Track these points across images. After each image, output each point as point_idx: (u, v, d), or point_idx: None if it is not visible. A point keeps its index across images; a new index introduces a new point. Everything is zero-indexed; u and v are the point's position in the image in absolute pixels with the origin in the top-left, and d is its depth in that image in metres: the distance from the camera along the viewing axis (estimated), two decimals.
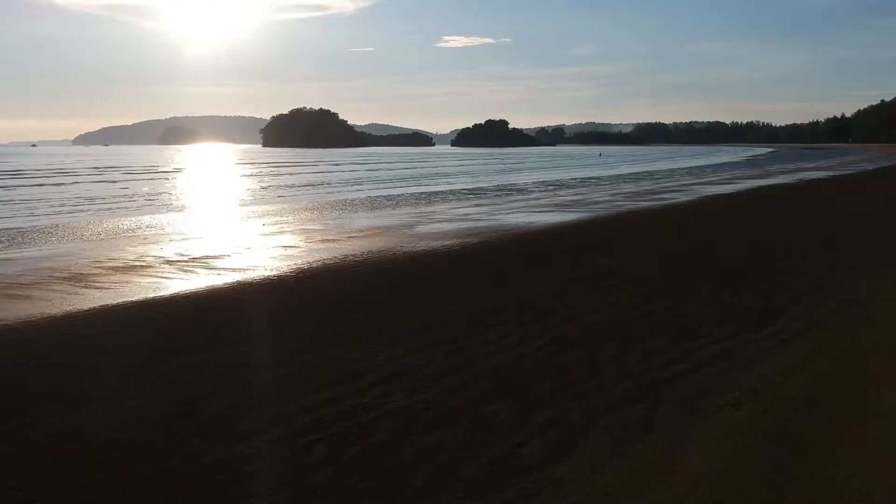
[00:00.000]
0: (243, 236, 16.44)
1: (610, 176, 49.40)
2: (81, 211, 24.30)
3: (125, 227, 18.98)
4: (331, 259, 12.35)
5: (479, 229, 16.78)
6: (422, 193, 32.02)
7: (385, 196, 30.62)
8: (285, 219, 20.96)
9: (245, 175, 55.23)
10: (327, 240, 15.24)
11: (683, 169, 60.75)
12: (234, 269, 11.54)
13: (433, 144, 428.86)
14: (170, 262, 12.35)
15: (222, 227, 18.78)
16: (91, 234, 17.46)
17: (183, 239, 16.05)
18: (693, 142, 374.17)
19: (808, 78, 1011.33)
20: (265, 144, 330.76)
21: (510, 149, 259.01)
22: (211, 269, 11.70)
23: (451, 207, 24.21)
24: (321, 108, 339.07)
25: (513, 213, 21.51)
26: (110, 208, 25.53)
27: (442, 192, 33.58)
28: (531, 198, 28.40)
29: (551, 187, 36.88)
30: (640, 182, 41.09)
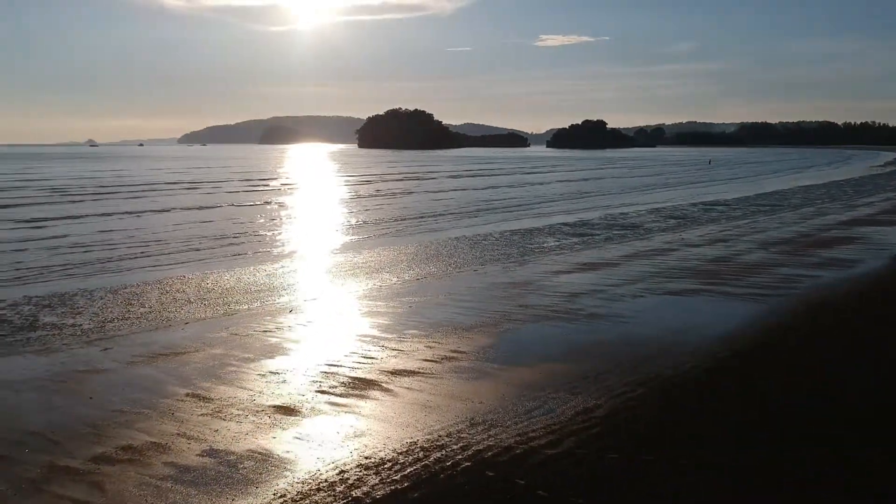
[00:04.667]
0: (238, 360, 10.79)
1: (736, 200, 42.11)
2: (54, 267, 19.32)
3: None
4: (326, 485, 6.46)
5: (600, 354, 10.60)
6: (514, 234, 25.94)
7: (472, 239, 24.69)
8: (328, 300, 15.38)
9: (345, 195, 50.43)
10: (347, 389, 9.38)
11: (818, 188, 52.52)
12: None
13: (528, 145, 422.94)
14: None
15: (224, 315, 13.25)
16: None
17: (149, 357, 10.53)
18: (802, 143, 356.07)
19: None
20: (361, 145, 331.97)
21: (608, 151, 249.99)
22: None
23: (550, 270, 18.08)
24: (416, 109, 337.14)
25: (640, 291, 15.22)
26: (112, 259, 20.51)
27: (539, 229, 27.45)
28: (654, 248, 21.93)
29: (671, 221, 30.28)
30: (778, 213, 33.91)
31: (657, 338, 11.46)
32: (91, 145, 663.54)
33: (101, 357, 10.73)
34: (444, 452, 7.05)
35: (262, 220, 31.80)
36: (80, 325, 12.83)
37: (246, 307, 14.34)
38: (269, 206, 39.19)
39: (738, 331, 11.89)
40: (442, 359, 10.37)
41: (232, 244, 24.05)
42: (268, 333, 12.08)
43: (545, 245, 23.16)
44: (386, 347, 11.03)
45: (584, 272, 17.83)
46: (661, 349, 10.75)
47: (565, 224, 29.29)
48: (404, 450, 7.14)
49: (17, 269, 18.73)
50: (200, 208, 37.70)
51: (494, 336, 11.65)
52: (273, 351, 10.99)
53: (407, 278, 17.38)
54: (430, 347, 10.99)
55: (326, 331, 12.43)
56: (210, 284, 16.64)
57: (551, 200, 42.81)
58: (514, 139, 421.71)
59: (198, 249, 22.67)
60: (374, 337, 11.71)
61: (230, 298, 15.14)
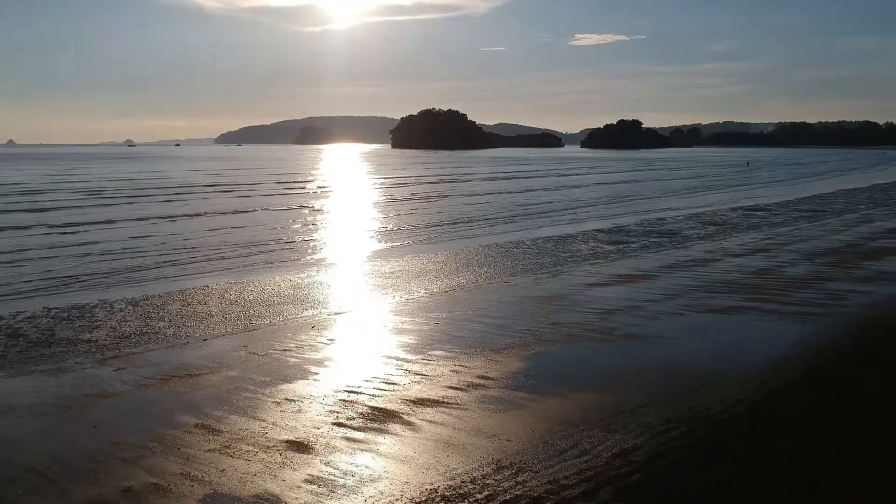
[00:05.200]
0: (254, 385, 10.28)
1: (777, 204, 40.89)
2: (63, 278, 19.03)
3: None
4: None
5: (637, 383, 9.91)
6: (547, 242, 25.23)
7: (503, 246, 24.03)
8: (352, 314, 14.86)
9: (379, 199, 50.11)
10: (366, 421, 8.79)
11: (861, 191, 50.94)
12: None
13: (562, 145, 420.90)
14: None
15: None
16: None
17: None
18: (842, 144, 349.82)
19: None
20: (394, 146, 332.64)
21: (644, 151, 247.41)
22: None
23: (583, 282, 17.37)
24: (450, 109, 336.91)
25: (679, 307, 14.46)
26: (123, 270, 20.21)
27: (573, 236, 26.73)
28: (693, 258, 21.09)
29: (710, 228, 29.34)
30: (821, 219, 32.74)
31: (699, 363, 10.72)
32: (129, 145, 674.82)
33: (112, 379, 10.29)
34: None
35: (294, 226, 31.45)
36: (96, 340, 12.44)
37: (268, 321, 13.86)
38: (302, 211, 38.87)
39: (786, 355, 11.09)
40: (468, 386, 9.75)
41: (262, 252, 23.67)
42: (287, 353, 11.57)
43: (579, 254, 22.44)
44: (409, 371, 10.44)
45: (619, 285, 17.10)
46: (704, 377, 10.01)
47: (600, 230, 28.50)
48: (423, 499, 6.53)
49: (44, 279, 18.47)
50: (234, 212, 37.51)
51: (524, 359, 11.00)
52: (291, 374, 10.46)
53: (435, 290, 16.80)
54: (456, 372, 10.37)
55: (348, 350, 11.89)
56: (233, 296, 16.21)
57: (587, 205, 41.97)
58: (549, 139, 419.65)
59: (227, 258, 22.31)
60: (397, 359, 11.13)
61: (252, 312, 14.67)
